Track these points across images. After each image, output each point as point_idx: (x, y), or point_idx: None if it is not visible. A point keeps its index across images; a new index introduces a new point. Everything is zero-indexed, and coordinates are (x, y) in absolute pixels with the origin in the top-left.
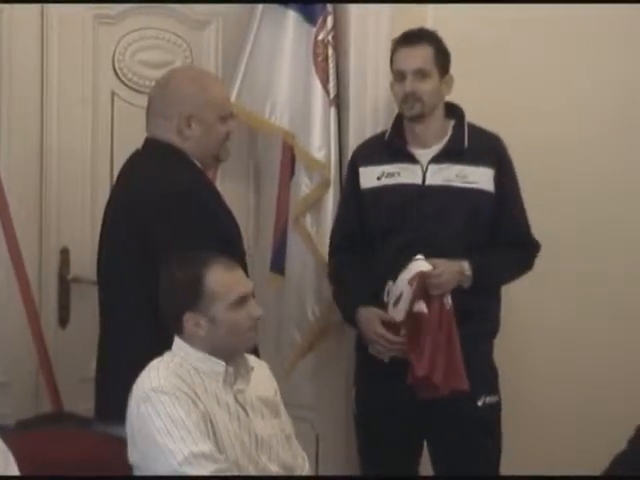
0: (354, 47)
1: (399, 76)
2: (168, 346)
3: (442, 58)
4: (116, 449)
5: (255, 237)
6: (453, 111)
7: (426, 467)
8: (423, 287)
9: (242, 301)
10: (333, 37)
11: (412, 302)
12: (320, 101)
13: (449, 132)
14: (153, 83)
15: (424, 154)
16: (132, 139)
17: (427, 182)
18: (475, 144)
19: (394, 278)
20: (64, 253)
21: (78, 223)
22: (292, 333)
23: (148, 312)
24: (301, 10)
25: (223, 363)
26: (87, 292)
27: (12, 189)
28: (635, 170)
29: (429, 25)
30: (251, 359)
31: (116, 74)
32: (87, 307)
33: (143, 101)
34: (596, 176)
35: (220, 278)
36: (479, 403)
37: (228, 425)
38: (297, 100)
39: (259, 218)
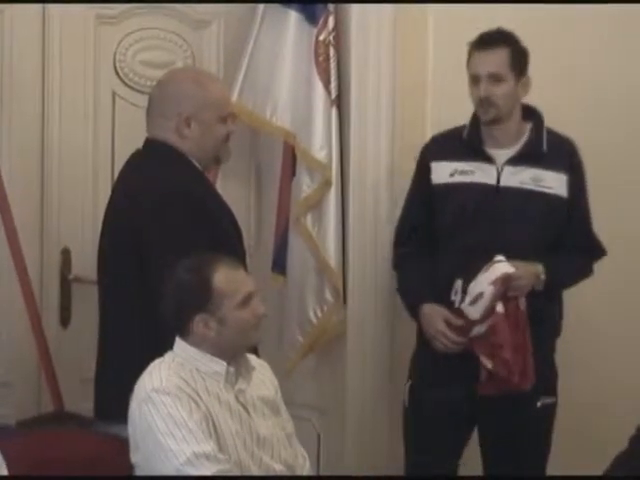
0: (355, 47)
1: (474, 80)
2: (167, 345)
3: (518, 61)
4: (117, 449)
5: (256, 237)
6: (531, 114)
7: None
8: (505, 289)
9: (248, 299)
10: (334, 37)
11: (493, 303)
12: (321, 101)
13: (526, 134)
14: (154, 83)
15: (500, 155)
16: (133, 139)
17: (502, 183)
18: (551, 148)
19: (464, 277)
20: (65, 253)
21: (79, 223)
22: (294, 333)
23: (146, 312)
24: (302, 10)
25: (224, 363)
26: (88, 292)
27: (13, 189)
28: None
29: (430, 25)
30: (252, 359)
31: (117, 74)
32: (88, 307)
33: (144, 101)
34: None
35: (227, 278)
36: (538, 404)
37: (230, 425)
38: (298, 100)
39: (260, 218)
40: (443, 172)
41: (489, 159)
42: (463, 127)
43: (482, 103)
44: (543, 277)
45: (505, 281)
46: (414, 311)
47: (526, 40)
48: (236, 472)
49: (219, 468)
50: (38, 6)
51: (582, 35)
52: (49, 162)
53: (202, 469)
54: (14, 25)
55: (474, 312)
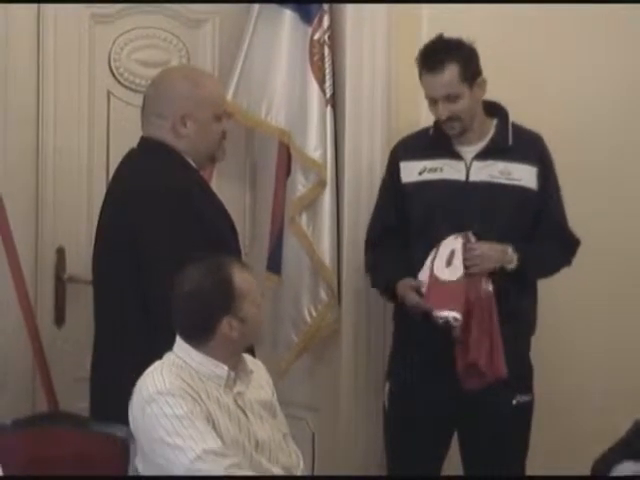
0: (350, 47)
1: (430, 100)
2: (163, 345)
3: (469, 70)
4: (112, 448)
5: (251, 236)
6: (495, 110)
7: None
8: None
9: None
10: (329, 37)
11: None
12: (316, 101)
13: (492, 130)
14: (149, 82)
15: (468, 151)
16: (128, 138)
17: (471, 178)
18: (519, 142)
19: None
20: (60, 252)
21: (74, 222)
22: (288, 333)
23: (141, 311)
24: (297, 9)
25: (225, 367)
26: (83, 291)
27: (8, 188)
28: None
29: (424, 25)
30: (249, 360)
31: (112, 73)
32: (83, 306)
33: (139, 100)
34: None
35: (244, 278)
36: (514, 402)
37: (229, 428)
38: (293, 100)
39: (255, 217)
40: (412, 171)
41: (457, 155)
42: (430, 127)
43: (445, 121)
44: (512, 253)
45: (466, 239)
46: (392, 296)
47: (521, 38)
48: (246, 466)
49: (230, 462)
50: (33, 5)
51: (579, 31)
52: (44, 161)
53: (213, 465)
54: (9, 24)
55: (453, 273)
